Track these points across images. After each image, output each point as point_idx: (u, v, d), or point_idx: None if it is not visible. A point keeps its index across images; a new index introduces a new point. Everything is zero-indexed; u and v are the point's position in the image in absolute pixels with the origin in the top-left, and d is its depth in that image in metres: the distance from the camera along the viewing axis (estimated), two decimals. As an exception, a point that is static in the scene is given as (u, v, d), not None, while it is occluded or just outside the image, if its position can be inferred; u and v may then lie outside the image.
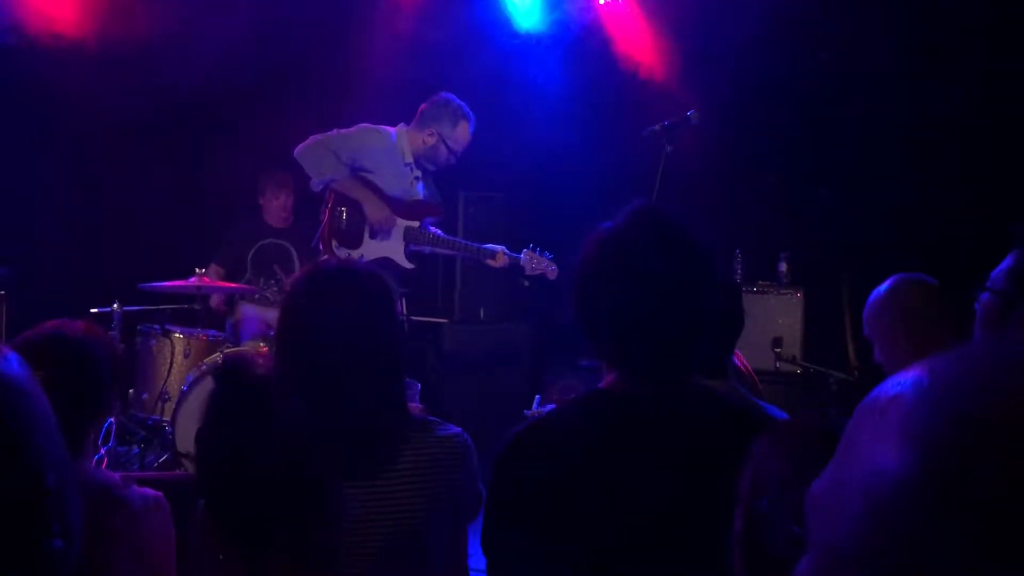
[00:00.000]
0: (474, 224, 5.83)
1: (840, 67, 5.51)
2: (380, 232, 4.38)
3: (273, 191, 5.34)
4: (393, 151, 4.39)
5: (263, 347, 4.66)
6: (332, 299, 1.83)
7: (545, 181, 6.01)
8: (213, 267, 5.23)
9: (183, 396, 4.43)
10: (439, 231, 4.62)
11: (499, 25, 5.98)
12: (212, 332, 4.97)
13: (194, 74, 5.28)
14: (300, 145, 4.33)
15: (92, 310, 4.57)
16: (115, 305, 4.54)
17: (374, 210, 4.34)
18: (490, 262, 4.52)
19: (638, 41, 6.01)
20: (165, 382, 4.66)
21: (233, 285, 5.10)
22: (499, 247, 4.51)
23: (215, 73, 5.21)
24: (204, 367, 4.52)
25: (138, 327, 4.86)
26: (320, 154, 4.30)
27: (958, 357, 0.57)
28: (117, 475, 1.77)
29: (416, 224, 4.46)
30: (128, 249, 5.47)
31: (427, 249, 4.57)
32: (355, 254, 4.38)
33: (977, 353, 0.57)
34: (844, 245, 5.56)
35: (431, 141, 4.38)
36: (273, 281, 5.30)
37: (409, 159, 4.42)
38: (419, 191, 4.50)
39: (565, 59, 6.02)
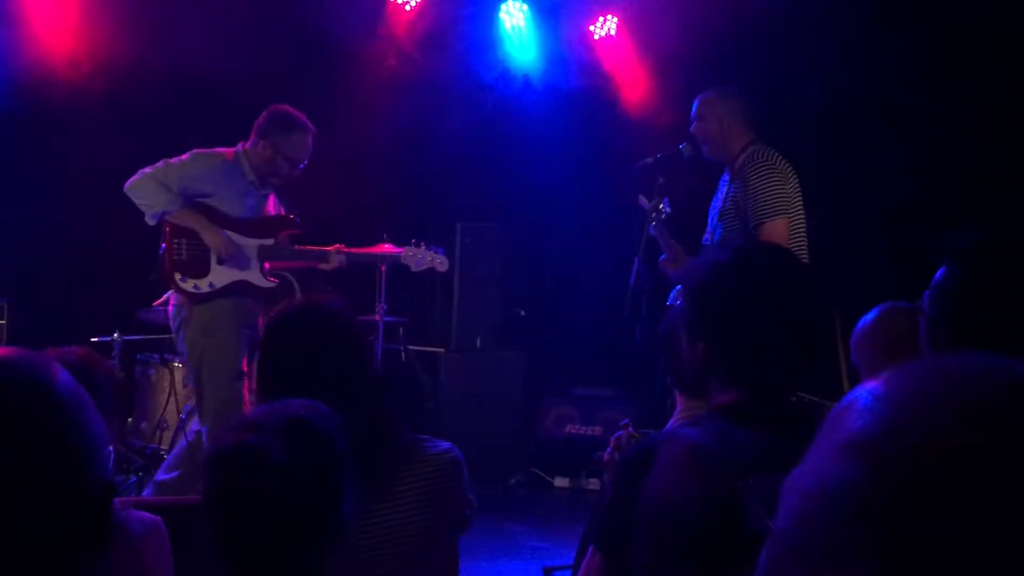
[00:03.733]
0: (470, 253, 5.90)
1: (830, 98, 5.60)
2: (227, 258, 4.21)
3: None
4: (231, 171, 4.23)
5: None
6: (298, 332, 1.95)
7: (540, 211, 6.09)
8: None
9: (181, 424, 4.47)
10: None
11: (495, 59, 6.09)
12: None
13: (192, 108, 5.38)
14: (129, 179, 4.17)
15: (92, 339, 4.62)
16: (115, 335, 4.59)
17: (211, 238, 4.16)
18: (322, 266, 4.35)
19: (632, 75, 6.11)
20: (164, 411, 4.70)
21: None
22: (335, 247, 4.33)
23: (211, 108, 5.30)
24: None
25: (137, 356, 4.91)
26: (150, 188, 4.11)
27: (911, 371, 0.57)
28: (115, 500, 1.80)
29: (271, 241, 4.31)
30: (128, 279, 5.51)
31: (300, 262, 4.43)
32: (203, 282, 4.18)
33: (926, 369, 0.57)
34: (836, 275, 5.61)
35: (267, 154, 4.22)
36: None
37: (252, 177, 4.25)
38: (268, 207, 4.37)
39: (560, 92, 6.11)
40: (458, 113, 5.70)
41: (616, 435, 2.37)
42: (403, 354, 5.62)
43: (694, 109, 4.24)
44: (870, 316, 2.68)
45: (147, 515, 1.83)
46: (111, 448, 1.00)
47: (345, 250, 4.37)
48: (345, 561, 1.45)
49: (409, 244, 4.48)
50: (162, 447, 4.63)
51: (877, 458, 0.53)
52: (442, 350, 5.93)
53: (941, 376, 0.56)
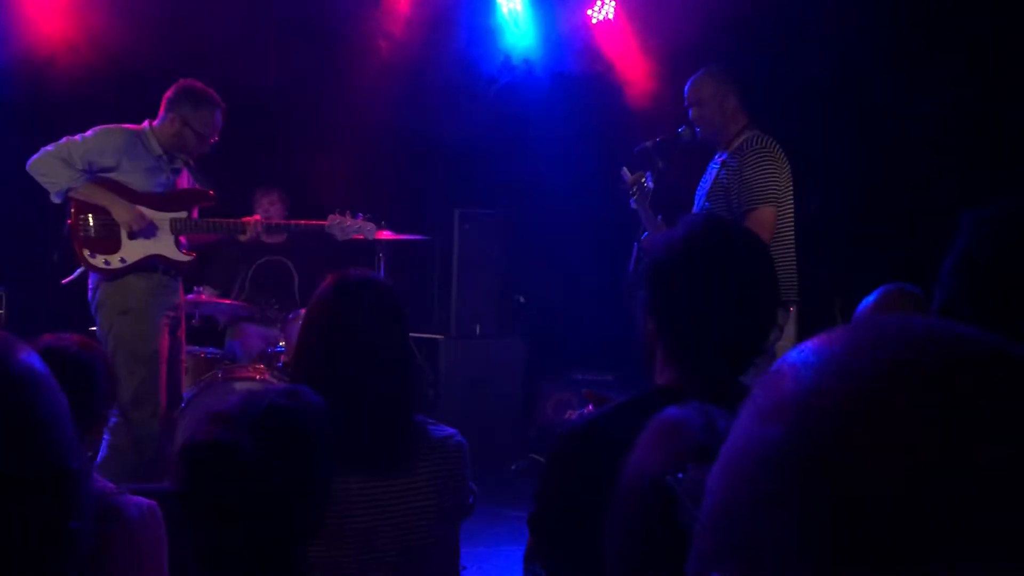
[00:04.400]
0: (469, 239, 5.89)
1: (829, 80, 5.57)
2: (139, 232, 4.14)
3: (258, 201, 5.40)
4: (137, 146, 4.17)
5: (260, 366, 4.69)
6: (358, 304, 1.92)
7: (539, 197, 6.07)
8: (207, 288, 5.23)
9: (181, 413, 4.45)
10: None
11: (493, 44, 6.06)
12: (211, 349, 5.00)
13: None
14: (31, 158, 4.07)
15: (92, 328, 4.60)
16: (113, 323, 4.56)
17: (121, 212, 4.08)
18: (240, 238, 4.38)
19: (632, 59, 6.08)
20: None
21: (233, 302, 5.10)
22: (252, 218, 4.38)
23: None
24: (202, 383, 4.55)
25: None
26: (52, 165, 4.04)
27: (836, 336, 0.54)
28: (111, 484, 1.80)
29: (184, 215, 4.24)
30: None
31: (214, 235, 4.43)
32: (114, 258, 4.10)
33: (851, 332, 0.54)
34: (836, 259, 5.60)
35: (175, 127, 4.18)
36: (273, 300, 5.30)
37: (159, 151, 4.20)
38: (181, 182, 4.32)
39: (558, 77, 6.09)
40: (456, 100, 5.68)
41: (580, 412, 2.35)
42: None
43: (688, 93, 4.22)
44: (871, 298, 2.67)
45: (143, 500, 1.84)
46: (106, 436, 0.98)
47: (264, 222, 4.37)
48: (350, 551, 1.44)
49: (334, 214, 4.40)
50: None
51: (800, 418, 0.50)
52: (441, 337, 5.93)
53: (867, 337, 0.53)
